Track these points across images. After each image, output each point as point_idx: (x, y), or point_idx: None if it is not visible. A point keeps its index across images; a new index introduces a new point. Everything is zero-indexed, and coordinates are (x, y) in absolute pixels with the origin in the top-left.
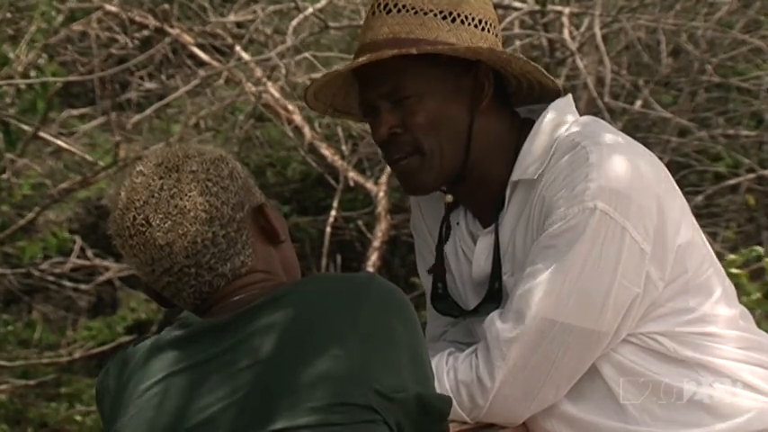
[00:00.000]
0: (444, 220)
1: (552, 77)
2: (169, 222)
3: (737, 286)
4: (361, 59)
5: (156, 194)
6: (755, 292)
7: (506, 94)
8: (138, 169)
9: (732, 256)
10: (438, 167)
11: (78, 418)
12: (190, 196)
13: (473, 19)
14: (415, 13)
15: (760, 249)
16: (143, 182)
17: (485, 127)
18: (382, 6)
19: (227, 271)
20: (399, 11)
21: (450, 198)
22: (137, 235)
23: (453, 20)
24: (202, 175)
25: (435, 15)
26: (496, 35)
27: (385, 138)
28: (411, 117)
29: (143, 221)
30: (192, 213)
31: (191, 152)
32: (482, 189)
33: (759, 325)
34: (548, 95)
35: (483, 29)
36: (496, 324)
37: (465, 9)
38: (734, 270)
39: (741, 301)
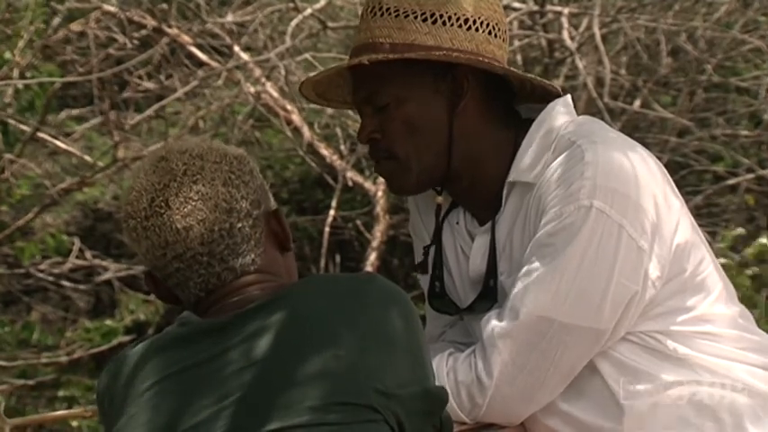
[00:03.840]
0: (436, 219)
1: (529, 75)
2: (189, 207)
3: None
4: (322, 72)
5: (178, 178)
6: (745, 281)
7: (508, 94)
8: (160, 155)
9: (720, 245)
10: (416, 171)
11: (75, 423)
12: (213, 184)
13: (458, 18)
14: (396, 16)
15: (740, 230)
16: (166, 166)
17: (468, 128)
18: (368, 9)
19: (237, 265)
20: (383, 14)
21: (440, 199)
22: (153, 216)
23: (434, 21)
24: (226, 167)
25: (416, 17)
26: (490, 32)
27: (365, 142)
28: (388, 123)
29: (162, 203)
30: (212, 201)
31: (215, 145)
32: (478, 188)
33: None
34: (550, 93)
35: (470, 28)
36: (493, 322)
37: (450, 9)
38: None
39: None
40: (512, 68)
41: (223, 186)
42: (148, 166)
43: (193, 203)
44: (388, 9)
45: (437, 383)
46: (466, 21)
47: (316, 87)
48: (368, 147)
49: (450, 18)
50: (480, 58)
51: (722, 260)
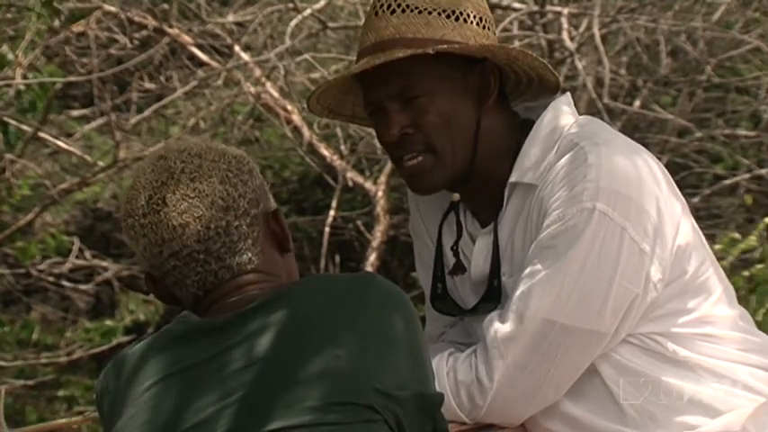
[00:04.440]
0: (445, 217)
1: (556, 73)
2: (185, 204)
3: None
4: (376, 61)
5: (176, 176)
6: (740, 282)
7: (505, 93)
8: (159, 154)
9: (716, 246)
10: (449, 166)
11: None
12: (210, 182)
13: (474, 17)
14: (419, 12)
15: (738, 236)
16: (164, 164)
17: (491, 125)
18: (385, 7)
19: (233, 264)
20: (404, 11)
21: (457, 196)
22: (150, 214)
23: (456, 18)
24: (224, 166)
25: (439, 14)
26: (494, 33)
27: (396, 138)
28: (422, 116)
29: (159, 201)
30: (209, 198)
31: (214, 144)
32: (484, 189)
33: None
34: (546, 90)
35: (483, 26)
36: (495, 324)
37: (466, 7)
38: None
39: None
40: (546, 63)
41: (220, 184)
42: (147, 165)
43: (190, 201)
44: (408, 6)
45: (437, 383)
46: (481, 19)
47: (321, 96)
48: (395, 145)
49: (468, 16)
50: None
51: (723, 263)
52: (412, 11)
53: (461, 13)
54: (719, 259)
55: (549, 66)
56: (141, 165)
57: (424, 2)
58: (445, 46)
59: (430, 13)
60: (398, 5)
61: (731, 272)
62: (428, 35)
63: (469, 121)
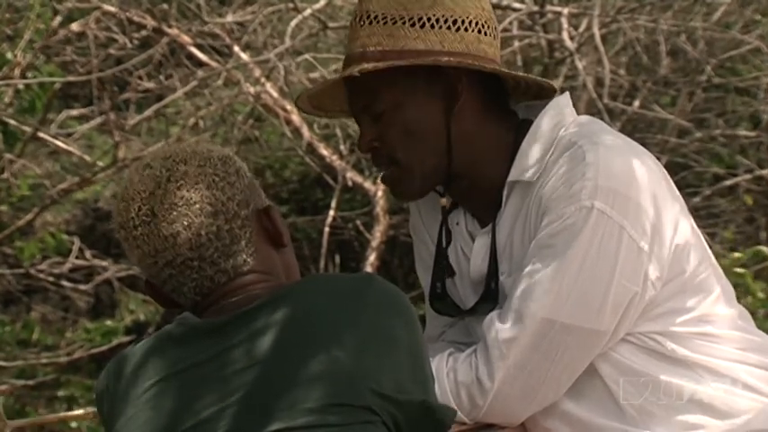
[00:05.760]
0: (443, 222)
1: (530, 75)
2: (174, 213)
3: (741, 286)
4: (317, 86)
5: (162, 185)
6: (760, 292)
7: (504, 93)
8: (145, 162)
9: (737, 254)
10: (419, 175)
11: (74, 424)
12: (197, 188)
13: (446, 20)
14: (385, 23)
15: (765, 249)
16: (150, 173)
17: (467, 129)
18: (357, 18)
19: (228, 267)
20: (371, 22)
21: (444, 201)
22: (141, 225)
23: (423, 25)
24: (210, 170)
25: (404, 23)
26: (479, 31)
27: (366, 151)
28: (386, 129)
29: (148, 212)
30: (197, 205)
31: (199, 148)
32: (478, 189)
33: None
34: (546, 90)
35: (458, 29)
36: (495, 324)
37: (437, 11)
38: (738, 269)
39: (746, 302)
40: (502, 68)
41: (207, 190)
42: (135, 174)
43: (178, 209)
44: (376, 17)
45: (437, 384)
46: (455, 22)
47: (312, 100)
48: (370, 157)
49: (438, 20)
50: (470, 60)
51: (739, 269)
52: (378, 21)
53: (429, 19)
54: (741, 267)
55: (506, 70)
56: (129, 174)
57: (394, 10)
58: (369, 66)
59: (395, 22)
60: (368, 16)
61: (755, 280)
62: (389, 47)
63: (437, 129)
